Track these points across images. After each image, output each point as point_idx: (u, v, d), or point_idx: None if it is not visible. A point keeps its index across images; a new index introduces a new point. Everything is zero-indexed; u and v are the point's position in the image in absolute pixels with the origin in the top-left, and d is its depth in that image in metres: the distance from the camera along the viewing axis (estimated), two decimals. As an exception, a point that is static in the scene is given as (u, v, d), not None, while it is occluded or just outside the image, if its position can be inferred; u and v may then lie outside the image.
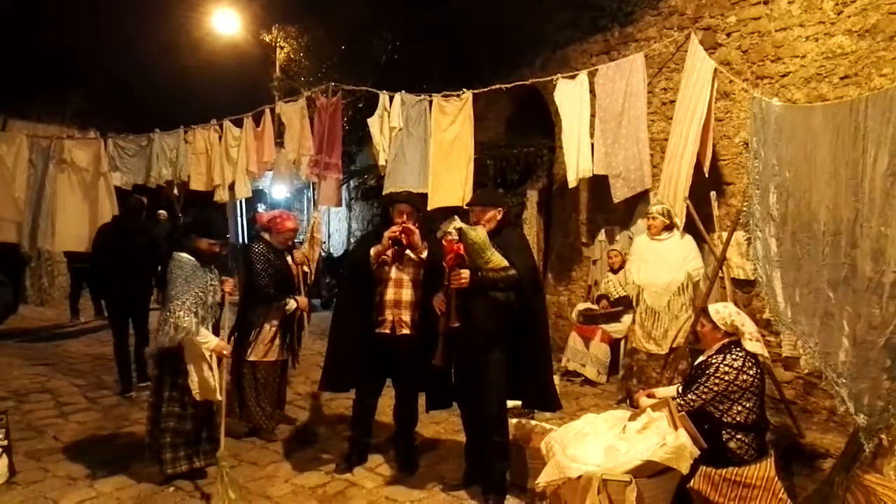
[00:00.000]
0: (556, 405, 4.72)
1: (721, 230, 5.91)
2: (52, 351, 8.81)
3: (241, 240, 15.23)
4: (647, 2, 7.40)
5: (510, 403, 4.67)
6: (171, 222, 9.96)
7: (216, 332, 4.81)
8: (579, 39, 8.44)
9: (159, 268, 6.93)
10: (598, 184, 7.55)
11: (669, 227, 6.26)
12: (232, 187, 8.01)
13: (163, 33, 15.36)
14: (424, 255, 4.75)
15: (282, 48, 14.21)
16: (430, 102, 7.49)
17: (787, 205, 4.27)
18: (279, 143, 8.10)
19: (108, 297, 7.47)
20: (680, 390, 4.39)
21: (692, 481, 4.10)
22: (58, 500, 4.46)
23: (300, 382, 7.08)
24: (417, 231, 4.71)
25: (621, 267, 7.50)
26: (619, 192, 7.06)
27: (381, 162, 7.62)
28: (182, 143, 7.95)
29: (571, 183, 7.32)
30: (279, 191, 14.37)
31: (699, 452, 3.77)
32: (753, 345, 4.25)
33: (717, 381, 4.10)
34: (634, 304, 6.56)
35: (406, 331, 4.74)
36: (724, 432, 4.13)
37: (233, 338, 5.41)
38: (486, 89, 7.50)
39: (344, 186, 10.65)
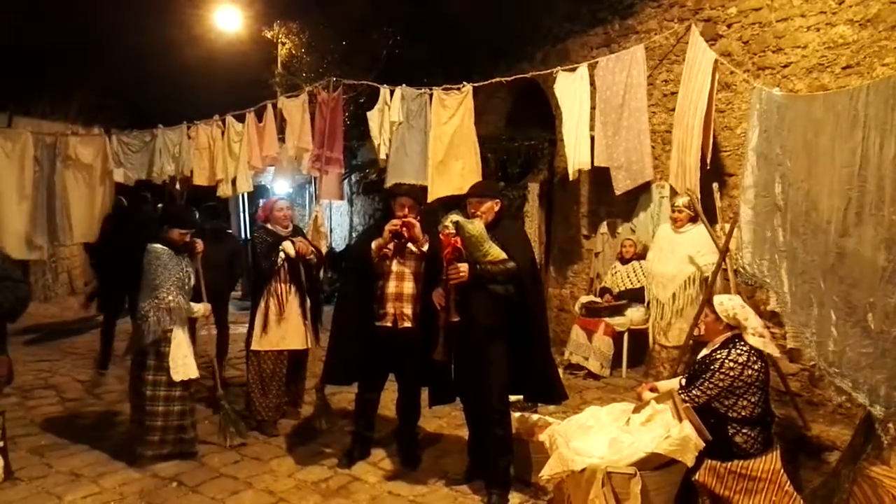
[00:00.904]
0: (560, 396, 4.70)
1: (724, 222, 5.91)
2: (55, 347, 8.82)
3: (243, 235, 15.22)
4: (647, -7, 7.39)
5: (512, 397, 4.66)
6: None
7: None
8: (579, 32, 8.42)
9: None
10: (600, 176, 7.54)
11: (694, 220, 6.26)
12: (235, 182, 8.03)
13: (165, 30, 15.35)
14: (426, 248, 4.74)
15: (283, 44, 14.19)
16: (431, 96, 7.47)
17: (789, 193, 4.27)
18: (281, 138, 8.10)
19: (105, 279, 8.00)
20: (683, 384, 4.38)
21: (697, 474, 4.08)
22: (62, 496, 4.46)
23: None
24: (418, 224, 4.70)
25: (632, 258, 7.49)
26: (621, 185, 7.06)
27: (382, 156, 7.61)
28: (185, 139, 7.96)
29: (572, 175, 7.32)
30: (281, 186, 14.33)
31: (704, 444, 3.75)
32: (756, 340, 4.20)
33: (721, 376, 4.06)
34: (646, 294, 6.62)
35: (408, 324, 4.73)
36: (729, 427, 4.10)
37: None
38: (485, 82, 7.49)
39: (345, 181, 10.63)
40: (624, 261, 7.62)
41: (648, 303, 6.82)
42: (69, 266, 13.49)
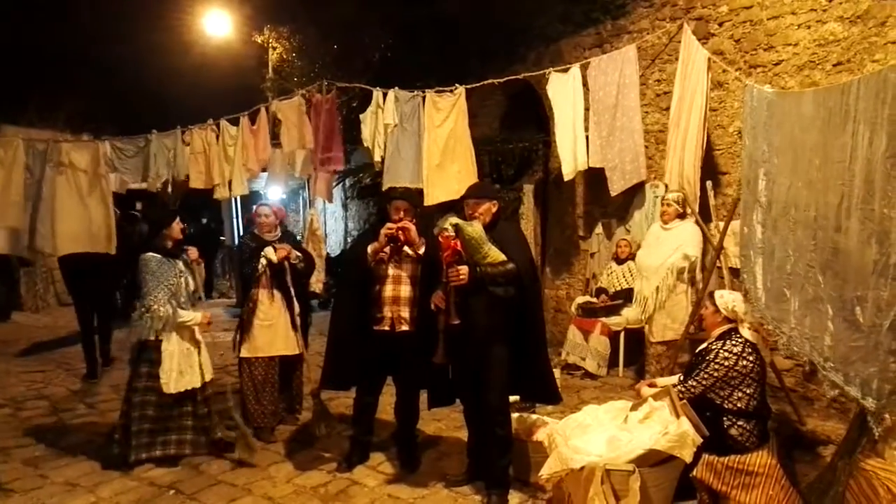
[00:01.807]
0: (556, 398, 4.71)
1: (717, 220, 5.93)
2: (48, 357, 8.77)
3: (236, 241, 15.20)
4: (639, -7, 7.41)
5: (511, 398, 4.66)
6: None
7: None
8: (572, 33, 8.45)
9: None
10: (594, 177, 7.56)
11: (682, 216, 6.28)
12: (230, 185, 8.07)
13: (154, 36, 15.32)
14: (422, 251, 4.73)
15: (274, 48, 14.17)
16: (424, 98, 7.48)
17: (773, 191, 4.30)
18: (275, 143, 8.11)
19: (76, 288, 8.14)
20: (680, 379, 4.41)
21: (695, 470, 4.11)
22: (58, 507, 4.44)
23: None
24: (414, 227, 4.69)
25: (627, 258, 7.51)
26: (617, 185, 7.08)
27: (376, 158, 7.62)
28: (180, 144, 7.97)
29: (567, 176, 7.33)
30: (274, 192, 14.31)
31: (702, 440, 3.77)
32: (751, 334, 4.28)
33: (717, 366, 4.12)
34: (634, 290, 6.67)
35: (405, 327, 4.73)
36: (725, 419, 4.14)
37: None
38: (478, 84, 7.50)
39: (339, 186, 10.62)
40: (619, 261, 7.64)
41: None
42: (60, 276, 13.40)
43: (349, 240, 15.70)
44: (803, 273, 3.90)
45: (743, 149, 4.92)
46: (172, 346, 4.94)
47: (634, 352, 7.45)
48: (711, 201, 6.00)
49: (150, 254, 4.94)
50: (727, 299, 4.34)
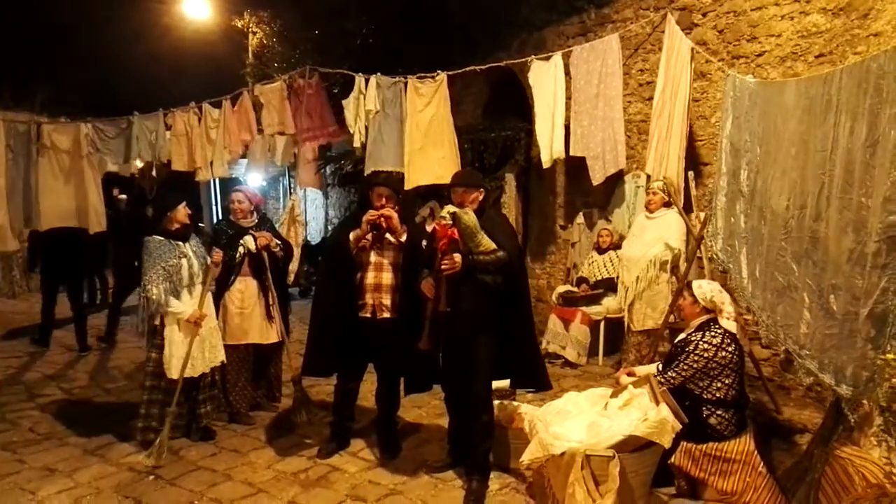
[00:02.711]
0: (546, 384, 4.71)
1: (699, 210, 5.96)
2: (24, 343, 8.67)
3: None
4: (622, -18, 7.41)
5: (497, 383, 4.68)
6: (135, 207, 9.96)
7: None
8: (556, 22, 8.43)
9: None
10: (576, 166, 7.57)
11: (668, 205, 6.30)
12: (211, 164, 8.13)
13: (132, 20, 15.16)
14: (404, 238, 4.72)
15: (254, 33, 14.08)
16: (405, 85, 7.45)
17: (755, 180, 4.33)
18: (259, 129, 8.11)
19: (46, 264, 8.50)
20: (660, 368, 4.44)
21: (673, 457, 4.14)
22: (35, 492, 4.40)
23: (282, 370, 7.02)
24: (396, 215, 4.68)
25: (609, 248, 7.53)
26: (598, 174, 7.09)
27: (357, 144, 7.60)
28: (161, 126, 7.98)
29: (545, 164, 7.34)
30: (255, 178, 14.23)
31: (681, 427, 3.80)
32: (729, 323, 4.32)
33: (696, 357, 4.16)
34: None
35: (387, 314, 4.71)
36: (704, 408, 4.18)
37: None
38: (460, 70, 7.47)
39: (320, 173, 10.56)
40: (601, 250, 7.66)
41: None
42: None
43: (330, 227, 15.64)
44: (774, 261, 3.94)
45: (724, 139, 4.96)
46: (173, 333, 4.99)
47: (614, 341, 7.48)
48: (693, 192, 6.03)
49: (152, 237, 5.01)
50: (705, 290, 4.38)
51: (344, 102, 7.65)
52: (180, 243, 5.09)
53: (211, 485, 4.51)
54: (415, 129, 7.41)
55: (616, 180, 7.40)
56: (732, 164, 4.79)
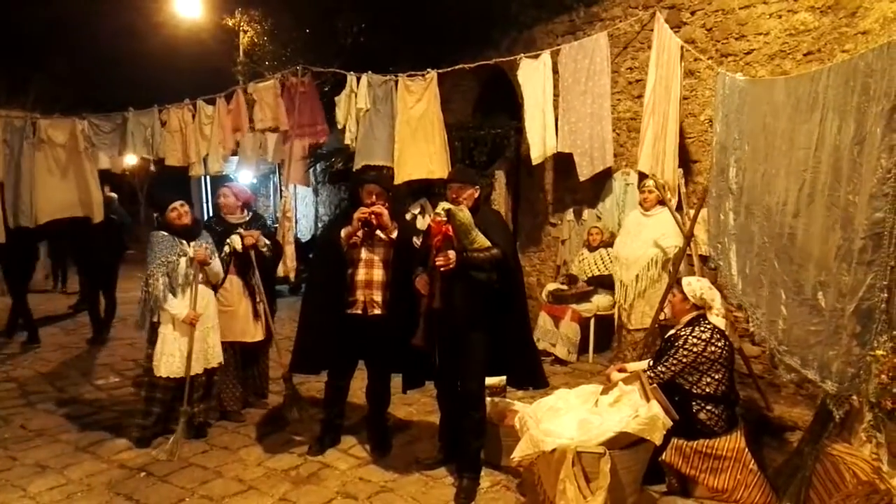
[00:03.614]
0: (543, 382, 4.72)
1: (688, 207, 5.98)
2: (15, 340, 8.64)
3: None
4: (612, -20, 7.43)
5: (493, 380, 4.70)
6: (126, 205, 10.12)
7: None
8: (545, 20, 8.44)
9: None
10: (565, 163, 7.58)
11: (663, 202, 6.30)
12: (206, 161, 8.23)
13: (124, 18, 15.11)
14: (395, 235, 4.72)
15: (245, 32, 14.04)
16: (396, 83, 7.46)
17: (744, 178, 4.35)
18: (251, 127, 8.14)
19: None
20: (650, 364, 4.46)
21: (664, 454, 4.16)
22: (27, 488, 4.40)
23: (271, 367, 6.99)
24: (387, 212, 4.68)
25: (599, 245, 7.54)
26: (586, 171, 7.11)
27: (348, 140, 7.62)
28: (157, 122, 8.02)
29: (535, 160, 7.36)
30: (245, 176, 14.21)
31: (672, 423, 3.82)
32: (718, 320, 4.34)
33: (685, 352, 4.18)
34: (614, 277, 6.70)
35: (378, 311, 4.71)
36: (693, 404, 4.20)
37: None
38: (450, 69, 7.48)
39: (311, 171, 10.55)
40: (591, 248, 7.67)
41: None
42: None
43: (320, 225, 15.61)
44: (763, 258, 3.97)
45: (714, 136, 4.98)
46: (167, 331, 5.05)
47: (604, 338, 7.51)
48: (682, 189, 6.05)
49: (159, 231, 5.16)
50: (695, 287, 4.40)
51: (336, 100, 7.65)
52: (183, 241, 5.13)
53: (202, 482, 4.52)
54: (405, 125, 7.44)
55: (605, 177, 7.42)
56: (721, 162, 4.82)
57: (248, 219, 5.74)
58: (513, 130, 8.98)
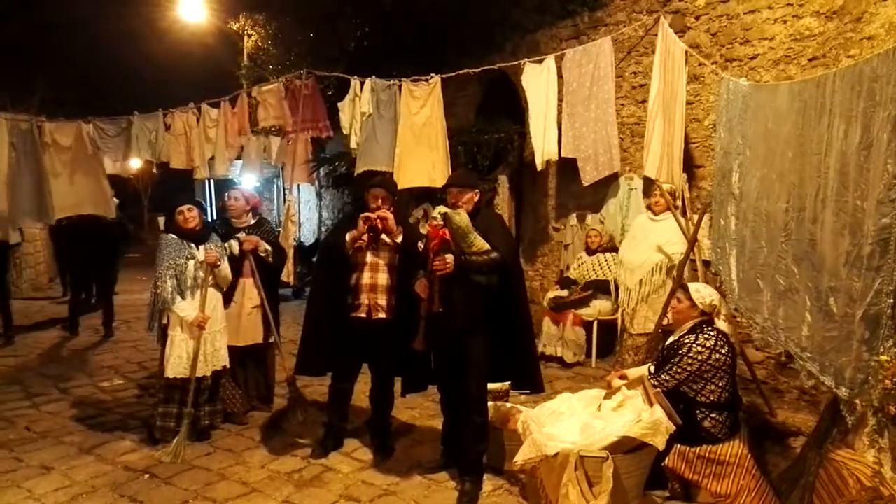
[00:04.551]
0: (539, 387, 4.72)
1: (692, 212, 5.98)
2: (21, 343, 8.67)
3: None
4: (616, -15, 7.43)
5: (494, 385, 4.69)
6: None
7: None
8: (549, 24, 8.45)
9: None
10: (568, 168, 7.58)
11: (669, 208, 6.29)
12: (212, 163, 8.38)
13: (129, 22, 15.18)
14: (399, 239, 4.73)
15: (249, 36, 14.08)
16: (400, 87, 7.47)
17: (747, 182, 4.34)
18: (254, 131, 8.20)
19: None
20: (651, 370, 4.44)
21: (667, 459, 4.15)
22: (32, 489, 4.41)
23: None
24: (392, 216, 4.69)
25: (598, 249, 7.53)
26: (589, 176, 7.10)
27: (353, 145, 7.62)
28: (161, 126, 8.10)
29: (539, 165, 7.36)
30: (249, 179, 14.23)
31: (675, 428, 3.81)
32: (724, 325, 4.32)
33: (690, 360, 4.15)
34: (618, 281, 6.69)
35: (382, 315, 4.72)
36: (698, 412, 4.18)
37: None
38: (454, 73, 7.48)
39: (314, 174, 10.57)
40: (590, 251, 7.66)
41: (618, 290, 6.88)
42: (34, 262, 13.28)
43: (323, 229, 15.62)
44: (774, 264, 3.94)
45: (717, 141, 4.98)
46: (175, 333, 5.06)
47: (608, 343, 7.50)
48: (686, 194, 6.05)
49: (169, 234, 5.20)
50: (704, 294, 4.35)
51: (340, 105, 7.66)
52: (192, 244, 5.14)
53: (206, 484, 4.52)
54: (408, 131, 7.43)
55: (608, 182, 7.42)
56: (724, 167, 4.81)
57: (252, 223, 5.75)
58: (516, 135, 8.99)
